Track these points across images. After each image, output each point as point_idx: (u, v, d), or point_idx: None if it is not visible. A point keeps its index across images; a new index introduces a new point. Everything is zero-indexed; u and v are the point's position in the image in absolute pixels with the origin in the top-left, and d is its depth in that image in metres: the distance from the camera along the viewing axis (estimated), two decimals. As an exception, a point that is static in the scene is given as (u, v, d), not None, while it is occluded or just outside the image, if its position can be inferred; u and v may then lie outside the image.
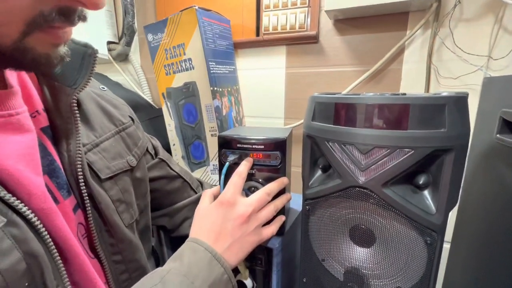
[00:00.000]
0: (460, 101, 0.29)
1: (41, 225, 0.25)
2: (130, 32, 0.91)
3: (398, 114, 0.29)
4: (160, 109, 0.78)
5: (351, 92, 0.67)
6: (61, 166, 0.31)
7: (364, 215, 0.36)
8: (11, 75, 0.28)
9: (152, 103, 0.94)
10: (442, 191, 0.31)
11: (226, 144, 0.44)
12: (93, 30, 0.90)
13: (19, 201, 0.24)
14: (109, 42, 0.95)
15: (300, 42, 0.71)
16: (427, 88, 0.60)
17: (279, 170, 0.42)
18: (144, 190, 0.42)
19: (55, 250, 0.26)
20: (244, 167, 0.40)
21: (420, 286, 0.35)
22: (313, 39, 0.69)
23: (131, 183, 0.39)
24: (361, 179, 0.32)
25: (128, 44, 0.94)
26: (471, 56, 0.55)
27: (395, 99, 0.29)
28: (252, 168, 0.43)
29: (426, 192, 0.33)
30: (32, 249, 0.24)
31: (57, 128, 0.31)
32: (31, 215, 0.25)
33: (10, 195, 0.24)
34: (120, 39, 0.96)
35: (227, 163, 0.42)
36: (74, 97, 0.32)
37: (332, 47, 0.68)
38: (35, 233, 0.25)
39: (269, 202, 0.40)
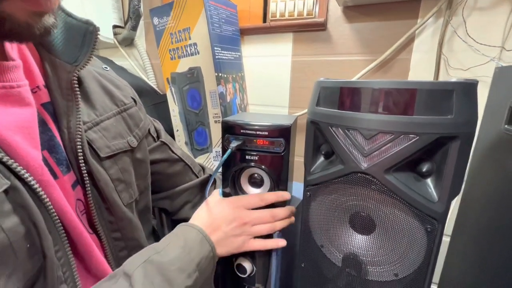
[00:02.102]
0: (469, 87, 0.28)
1: (44, 194, 0.26)
2: (136, 16, 0.90)
3: (404, 99, 0.29)
4: (165, 95, 0.78)
5: (358, 82, 0.66)
6: (61, 143, 0.31)
7: (365, 202, 0.36)
8: (12, 49, 0.28)
9: (156, 88, 0.94)
10: (445, 179, 0.30)
11: (229, 129, 0.43)
12: (99, 14, 0.89)
13: (21, 167, 0.24)
14: (114, 26, 0.94)
15: (308, 30, 0.69)
16: (436, 79, 0.59)
17: (282, 158, 0.42)
18: (144, 172, 0.43)
19: (58, 219, 0.27)
20: (273, 197, 0.42)
21: (418, 274, 0.35)
22: (321, 27, 0.67)
23: (131, 164, 0.39)
24: (364, 164, 0.32)
25: (134, 28, 0.93)
26: (483, 46, 0.54)
27: (402, 84, 0.29)
28: (255, 154, 0.43)
29: (429, 180, 0.32)
30: (31, 216, 0.25)
31: (58, 105, 0.32)
32: (33, 182, 0.25)
33: (16, 163, 0.24)
34: (125, 23, 0.95)
35: (229, 150, 0.42)
36: (75, 74, 0.32)
37: (340, 35, 0.67)
38: (38, 200, 0.25)
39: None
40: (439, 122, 0.28)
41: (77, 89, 0.32)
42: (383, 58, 0.62)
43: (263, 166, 0.43)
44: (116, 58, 0.98)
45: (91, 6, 0.86)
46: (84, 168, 0.32)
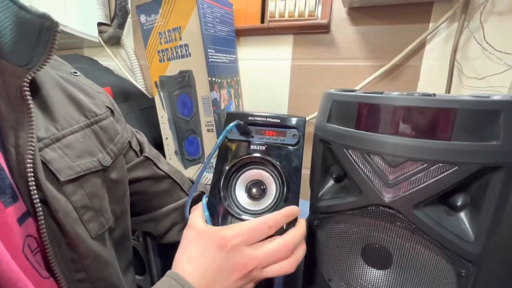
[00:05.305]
0: (518, 107, 0.23)
1: None
2: (122, 13, 0.84)
3: (441, 120, 0.23)
4: (154, 99, 0.72)
5: (363, 90, 0.61)
6: (4, 166, 0.25)
7: (382, 233, 0.31)
8: None
9: (145, 92, 0.87)
10: (484, 215, 0.25)
11: (235, 119, 0.36)
12: (83, 10, 0.82)
13: None
14: (100, 24, 0.87)
15: (309, 32, 0.64)
16: (449, 89, 0.54)
17: (296, 153, 0.35)
18: (121, 194, 0.36)
19: None
20: (281, 217, 0.31)
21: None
22: (324, 29, 0.62)
23: (103, 186, 0.33)
24: (387, 196, 0.26)
25: (121, 26, 0.86)
26: (501, 54, 0.49)
27: (439, 102, 0.24)
28: (262, 144, 0.36)
29: (462, 215, 0.27)
30: None
31: (3, 118, 0.25)
32: None
33: None
34: (112, 20, 0.88)
35: (232, 123, 0.34)
36: (26, 79, 0.25)
37: (345, 38, 0.62)
38: None
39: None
40: (482, 149, 0.23)
41: (29, 97, 0.26)
42: (391, 65, 0.58)
43: (268, 158, 0.35)
44: (102, 58, 0.91)
45: (74, 1, 0.79)
46: (36, 196, 0.26)
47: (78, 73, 0.37)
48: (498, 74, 0.51)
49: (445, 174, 0.24)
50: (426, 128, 0.24)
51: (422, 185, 0.24)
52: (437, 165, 0.24)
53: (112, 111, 0.37)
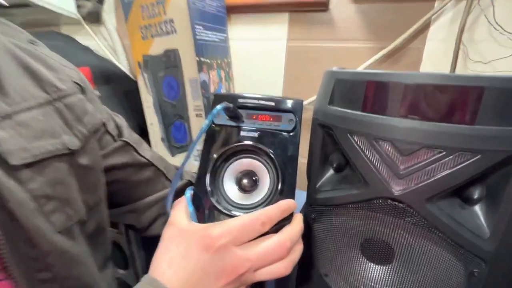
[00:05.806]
0: (552, 87, 0.20)
1: None
2: (102, -14, 0.76)
3: (464, 101, 0.20)
4: (139, 81, 0.66)
5: (363, 73, 0.58)
6: None
7: (385, 228, 0.28)
8: None
9: (129, 73, 0.81)
10: (503, 208, 0.23)
11: (223, 101, 0.32)
12: (59, -18, 0.74)
13: None
14: (77, -2, 0.80)
15: (306, 10, 0.60)
16: (453, 72, 0.51)
17: (292, 140, 0.31)
18: (93, 182, 0.32)
19: None
20: (275, 213, 0.27)
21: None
22: (322, 6, 0.58)
23: (71, 172, 0.28)
24: (397, 189, 0.23)
25: (100, 1, 0.79)
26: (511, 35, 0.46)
27: (461, 79, 0.20)
28: (254, 130, 0.32)
29: (477, 208, 0.24)
30: None
31: None
32: None
33: None
34: (90, -6, 0.80)
35: (219, 106, 0.29)
36: None
37: (344, 17, 0.57)
38: None
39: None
40: (509, 135, 0.20)
41: None
42: (393, 47, 0.54)
43: (261, 146, 0.31)
44: (81, 37, 0.84)
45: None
46: None
47: (39, 43, 0.32)
48: (505, 58, 0.48)
49: (466, 163, 0.21)
50: (446, 111, 0.21)
51: (439, 176, 0.21)
52: (457, 153, 0.20)
53: (82, 89, 0.32)
